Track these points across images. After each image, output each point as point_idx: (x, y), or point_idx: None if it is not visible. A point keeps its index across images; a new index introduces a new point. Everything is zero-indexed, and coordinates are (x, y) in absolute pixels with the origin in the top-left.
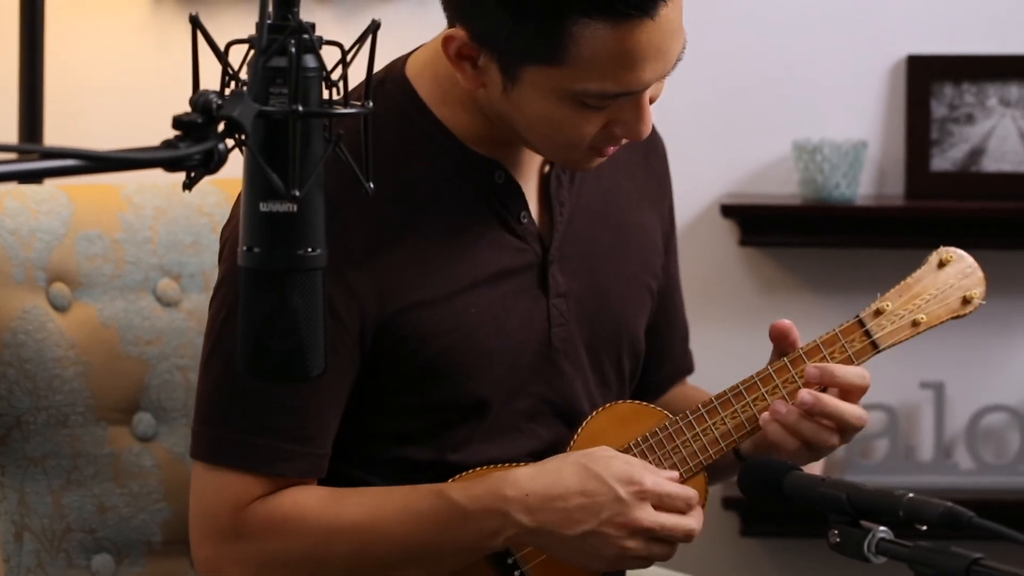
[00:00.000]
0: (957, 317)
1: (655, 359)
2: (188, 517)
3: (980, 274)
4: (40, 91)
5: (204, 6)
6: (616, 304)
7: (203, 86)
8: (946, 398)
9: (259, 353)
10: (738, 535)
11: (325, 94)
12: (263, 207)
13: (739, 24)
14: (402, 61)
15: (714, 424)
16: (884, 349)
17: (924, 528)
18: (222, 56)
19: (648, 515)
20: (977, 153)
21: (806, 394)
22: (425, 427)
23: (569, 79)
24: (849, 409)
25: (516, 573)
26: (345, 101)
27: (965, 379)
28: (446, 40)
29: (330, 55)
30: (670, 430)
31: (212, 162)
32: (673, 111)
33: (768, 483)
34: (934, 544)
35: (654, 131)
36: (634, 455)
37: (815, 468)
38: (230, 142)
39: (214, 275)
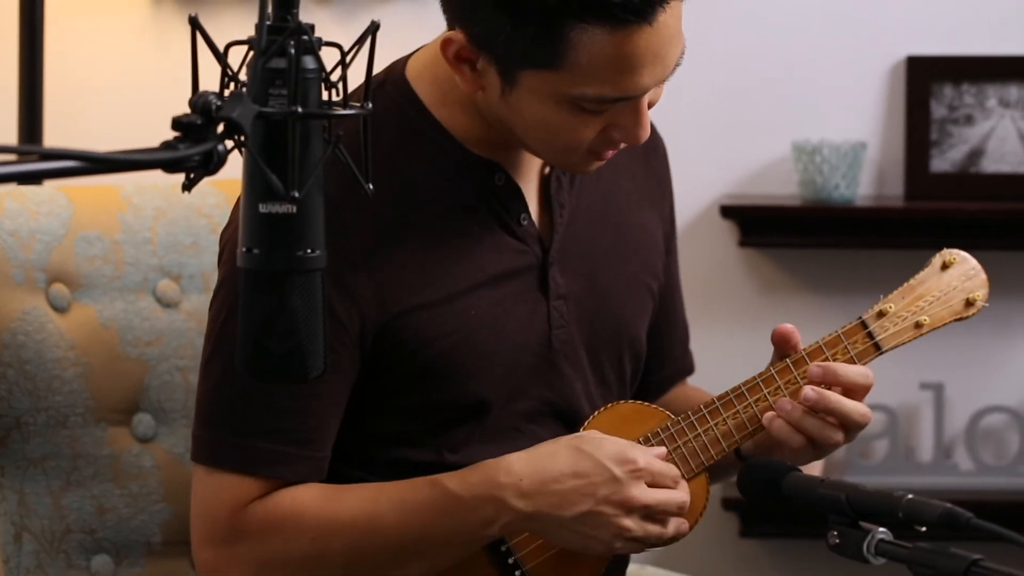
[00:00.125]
0: (960, 319)
1: (655, 360)
2: (188, 518)
3: (983, 276)
4: (40, 91)
5: (204, 7)
6: (616, 305)
7: (202, 87)
8: (946, 399)
9: (259, 354)
10: (738, 536)
11: (324, 95)
12: (262, 208)
13: (739, 25)
14: (402, 63)
15: (716, 424)
16: (887, 351)
17: (923, 529)
18: (221, 57)
19: (643, 492)
20: (976, 154)
21: (809, 390)
22: (425, 428)
23: (567, 84)
24: (853, 405)
25: (516, 573)
26: (344, 102)
27: (965, 380)
28: (445, 43)
29: (329, 56)
30: (672, 430)
31: (211, 163)
32: (673, 112)
33: (767, 484)
34: (933, 545)
35: (655, 132)
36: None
37: (815, 468)
38: (229, 143)
39: (214, 276)
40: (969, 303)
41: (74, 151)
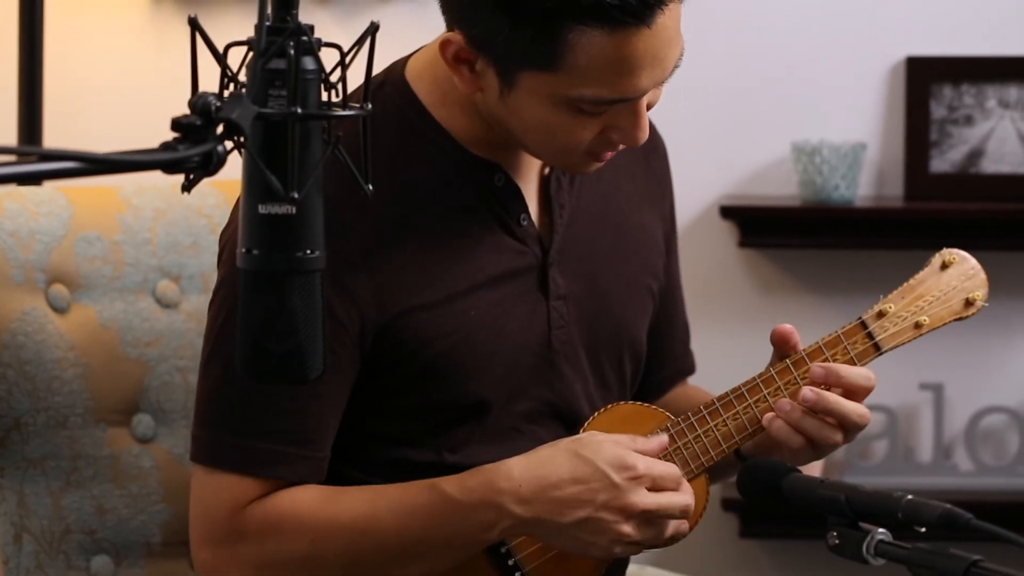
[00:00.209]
0: (960, 319)
1: (656, 360)
2: (188, 519)
3: (983, 276)
4: (39, 92)
5: (203, 8)
6: (616, 306)
7: (202, 88)
8: (945, 399)
9: (258, 355)
10: (737, 536)
11: (324, 96)
12: (262, 209)
13: (738, 25)
14: (402, 63)
15: (716, 425)
16: (886, 351)
17: (923, 530)
18: (221, 58)
19: (643, 498)
20: (976, 154)
21: (808, 391)
22: (425, 428)
23: (565, 85)
24: (852, 407)
25: (517, 575)
26: (344, 103)
27: (964, 380)
28: (443, 44)
29: (329, 57)
30: (672, 431)
31: (211, 164)
32: (672, 112)
33: (767, 485)
34: (933, 546)
35: (655, 132)
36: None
37: (815, 469)
38: (229, 144)
39: (214, 277)
40: (969, 303)
41: (73, 152)
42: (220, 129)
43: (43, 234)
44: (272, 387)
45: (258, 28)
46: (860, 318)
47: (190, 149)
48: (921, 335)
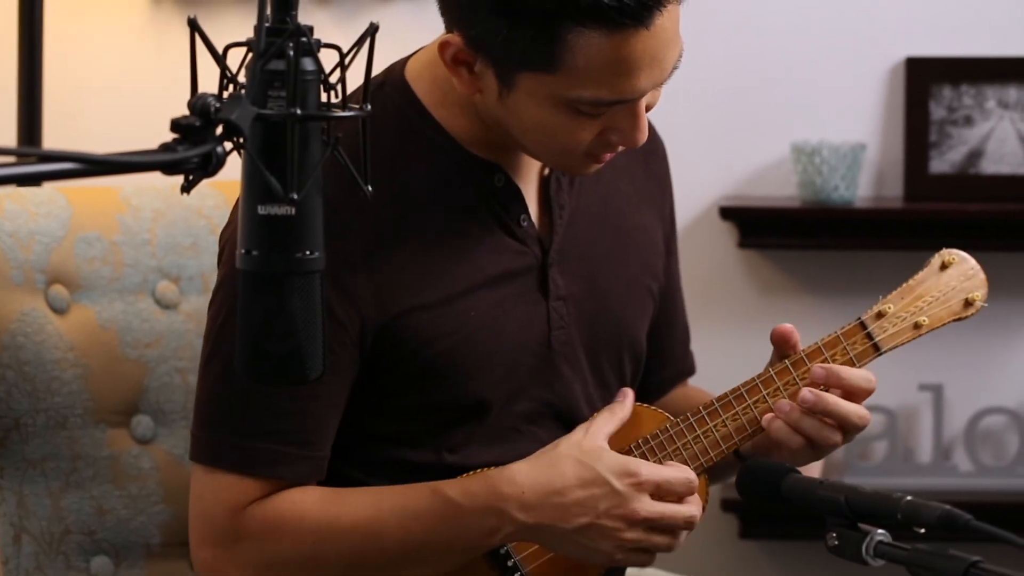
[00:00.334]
0: (959, 319)
1: (656, 360)
2: (187, 520)
3: (982, 276)
4: (39, 92)
5: (202, 8)
6: (616, 307)
7: (201, 89)
8: (945, 400)
9: (257, 356)
10: (737, 537)
11: (323, 97)
12: (261, 210)
13: (738, 26)
14: (401, 64)
15: (715, 426)
16: (886, 351)
17: (922, 531)
18: (220, 59)
19: (645, 505)
20: (976, 155)
21: (807, 392)
22: (424, 428)
23: (564, 87)
24: (851, 408)
25: (516, 575)
26: (343, 104)
27: (964, 381)
28: (442, 45)
29: (328, 58)
30: (671, 432)
31: (210, 165)
32: (672, 113)
33: (766, 486)
34: (932, 547)
35: (654, 133)
36: (635, 456)
37: (814, 469)
38: (228, 145)
39: (213, 277)
40: (968, 303)
41: (73, 153)
42: (219, 130)
43: (43, 235)
44: (271, 388)
45: (257, 29)
46: (859, 319)
47: (189, 150)
48: (920, 335)
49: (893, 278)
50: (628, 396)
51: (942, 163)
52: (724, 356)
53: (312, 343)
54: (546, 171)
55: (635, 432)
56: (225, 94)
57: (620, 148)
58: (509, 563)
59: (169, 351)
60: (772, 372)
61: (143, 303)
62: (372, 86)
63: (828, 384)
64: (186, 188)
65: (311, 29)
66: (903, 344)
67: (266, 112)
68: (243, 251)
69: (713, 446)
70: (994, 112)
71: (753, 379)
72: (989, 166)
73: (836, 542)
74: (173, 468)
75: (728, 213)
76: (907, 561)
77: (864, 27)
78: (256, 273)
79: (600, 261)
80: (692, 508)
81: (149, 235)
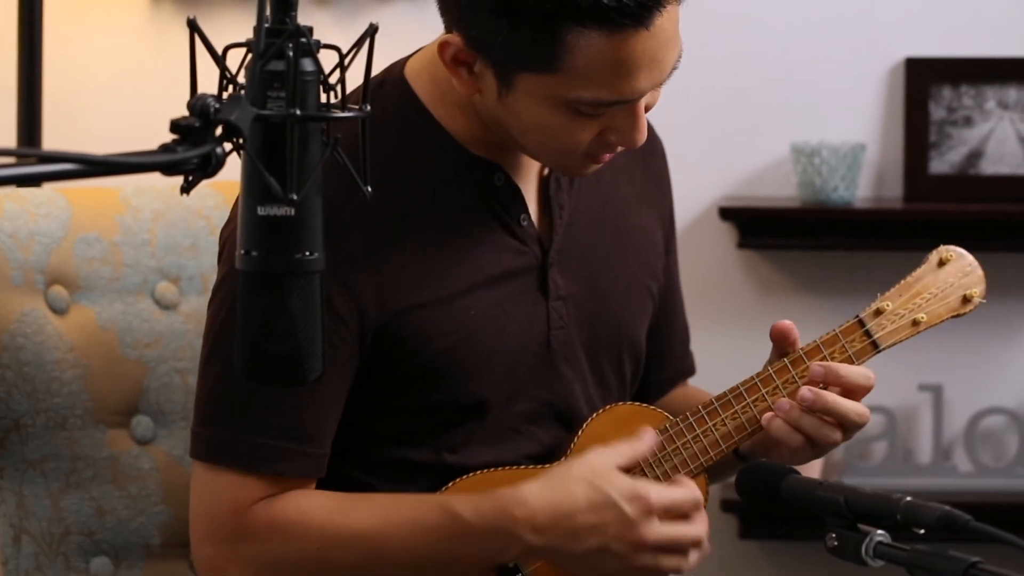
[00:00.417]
0: (957, 316)
1: (656, 361)
2: (187, 519)
3: (980, 272)
4: (38, 93)
5: (202, 9)
6: (616, 307)
7: (201, 89)
8: (944, 400)
9: (256, 357)
10: (736, 537)
11: (323, 98)
12: (261, 211)
13: (737, 26)
14: (401, 64)
15: (714, 425)
16: (884, 349)
17: (922, 531)
18: (220, 60)
19: (653, 530)
20: (975, 156)
21: (806, 391)
22: (424, 428)
23: (563, 87)
24: (850, 405)
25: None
26: (343, 105)
27: (964, 381)
28: (442, 45)
29: (328, 59)
30: (670, 432)
31: (210, 166)
32: (671, 114)
33: (766, 486)
34: (932, 547)
35: (653, 133)
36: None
37: (814, 469)
38: (228, 146)
39: (213, 278)
40: (966, 299)
41: (72, 154)
42: (219, 131)
43: (42, 235)
44: (271, 388)
45: (257, 30)
46: (858, 316)
47: (189, 151)
48: (919, 332)
49: (893, 278)
50: (650, 435)
51: (942, 164)
52: (724, 356)
53: (311, 344)
54: (545, 171)
55: (634, 433)
56: (225, 95)
57: (619, 149)
58: (510, 563)
59: (169, 351)
60: (771, 371)
61: (143, 303)
62: (371, 85)
63: (827, 382)
64: (186, 189)
65: (310, 30)
66: (902, 341)
67: (266, 113)
68: (242, 252)
69: (713, 445)
70: (994, 113)
71: (752, 378)
72: (989, 167)
73: (836, 543)
74: (173, 469)
75: (728, 213)
76: (907, 562)
77: (864, 28)
78: (255, 274)
79: (600, 261)
80: (698, 528)
81: (149, 236)
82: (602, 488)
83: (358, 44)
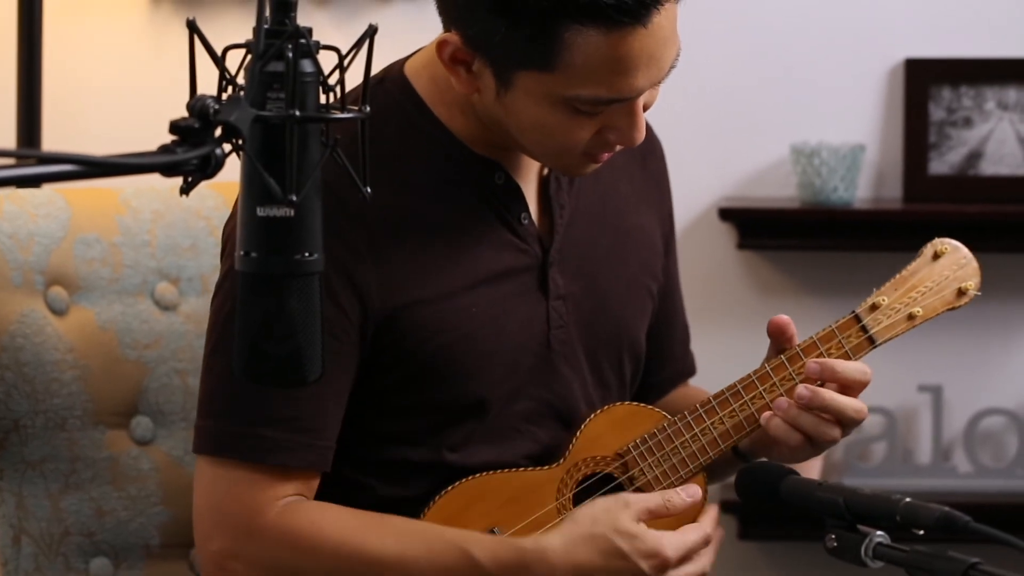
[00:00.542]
0: (952, 309)
1: (656, 361)
2: (187, 520)
3: (975, 265)
4: (38, 93)
5: (201, 10)
6: (616, 307)
7: (200, 90)
8: (944, 401)
9: (256, 357)
10: (736, 538)
11: (322, 99)
12: (260, 212)
13: (737, 27)
14: (400, 63)
15: (712, 424)
16: (881, 344)
17: (921, 532)
18: (219, 61)
19: None
20: (975, 156)
21: (803, 388)
22: (424, 427)
23: (562, 85)
24: (847, 402)
25: None
26: (342, 106)
27: (963, 382)
28: (440, 44)
29: (327, 59)
30: (668, 431)
31: (209, 167)
32: (671, 114)
33: (765, 487)
34: (931, 548)
35: (652, 133)
36: (633, 457)
37: (814, 468)
38: (227, 147)
39: (212, 278)
40: (961, 292)
41: (72, 155)
42: (218, 132)
43: (42, 236)
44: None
45: (256, 31)
46: (854, 311)
47: (188, 152)
48: (915, 326)
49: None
50: (678, 497)
51: (941, 164)
52: (723, 357)
53: (311, 345)
54: (545, 171)
55: (632, 433)
56: (224, 96)
57: (618, 148)
58: None
59: (168, 352)
60: (768, 368)
61: (142, 304)
62: (371, 83)
63: (823, 379)
64: (185, 190)
65: (310, 31)
66: (898, 336)
67: (265, 114)
68: (242, 253)
69: (711, 445)
70: (993, 113)
71: (749, 376)
72: (988, 167)
73: (835, 544)
74: (172, 469)
75: (727, 214)
76: (906, 563)
77: (863, 28)
78: (255, 275)
79: (600, 261)
80: (704, 560)
81: (148, 236)
82: (621, 547)
83: (357, 45)
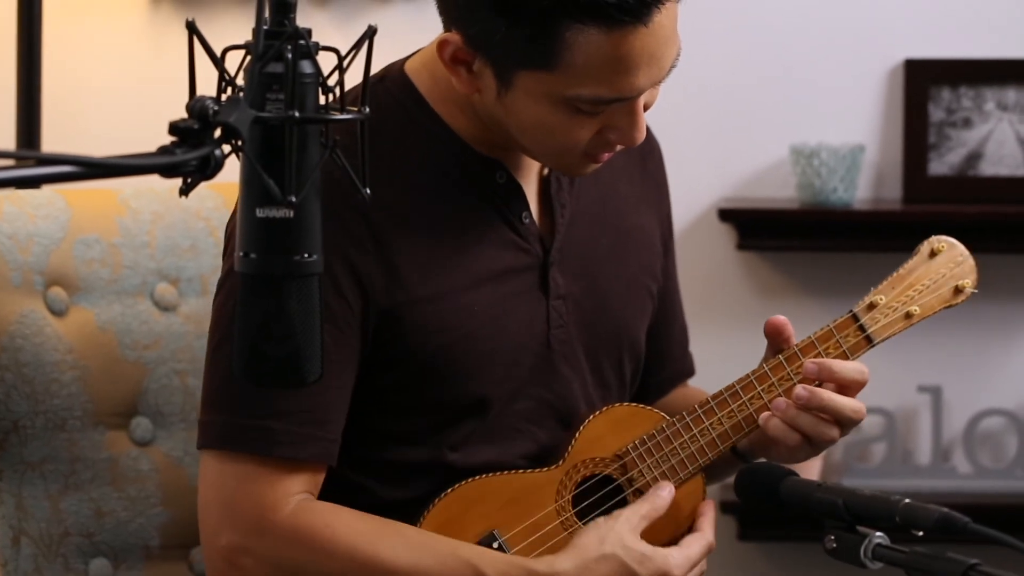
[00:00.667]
0: (949, 307)
1: (655, 361)
2: (187, 520)
3: (971, 262)
4: (38, 93)
5: (201, 11)
6: (616, 307)
7: (200, 91)
8: (944, 402)
9: (255, 358)
10: (735, 539)
11: (322, 99)
12: (259, 213)
13: (736, 28)
14: (400, 62)
15: (711, 425)
16: (878, 343)
17: (920, 533)
18: (219, 62)
19: None
20: (974, 157)
21: (801, 389)
22: (424, 426)
23: (562, 84)
24: (845, 402)
25: None
26: (342, 106)
27: (963, 383)
28: (441, 44)
29: (327, 61)
30: (667, 432)
31: (208, 168)
32: (670, 115)
33: (764, 488)
34: (930, 549)
35: (650, 134)
36: (632, 458)
37: (813, 469)
38: (227, 148)
39: (212, 279)
40: (958, 290)
41: (71, 156)
42: (218, 133)
43: (41, 237)
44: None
45: (256, 32)
46: (851, 311)
47: (188, 153)
48: (912, 325)
49: None
50: (667, 490)
51: (941, 165)
52: (723, 358)
53: (310, 346)
54: (545, 171)
55: (631, 433)
56: (223, 97)
57: (618, 147)
58: None
59: (168, 353)
60: (766, 368)
61: (142, 305)
62: (372, 80)
63: (821, 379)
64: (184, 191)
65: (309, 32)
66: (895, 334)
67: (264, 115)
68: (241, 254)
69: (710, 446)
70: (993, 114)
71: (747, 376)
72: (988, 168)
73: (834, 545)
74: (172, 470)
75: (727, 215)
76: (905, 564)
77: (863, 29)
78: (254, 276)
79: (600, 261)
80: (703, 565)
81: (148, 237)
82: (632, 568)
83: (357, 46)
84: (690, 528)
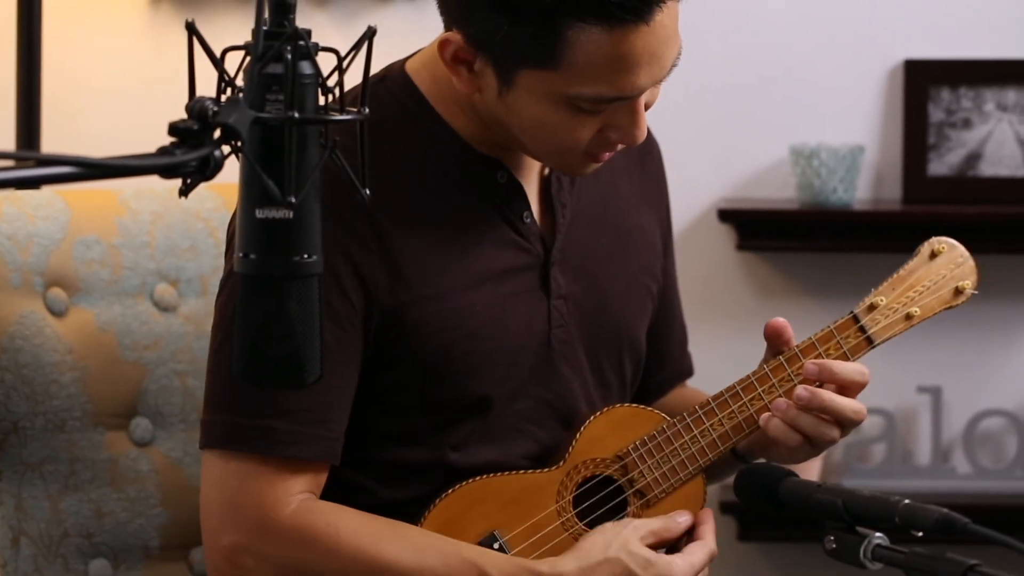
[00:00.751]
0: (950, 308)
1: (654, 361)
2: (186, 521)
3: (972, 263)
4: (37, 94)
5: (201, 11)
6: (616, 307)
7: (200, 92)
8: (943, 402)
9: (255, 359)
10: (735, 539)
11: (321, 100)
12: (259, 214)
13: (736, 28)
14: (401, 62)
15: (712, 426)
16: (879, 344)
17: (920, 534)
18: (218, 63)
19: None
20: (974, 158)
21: (802, 390)
22: (424, 426)
23: (564, 83)
24: (846, 403)
25: None
26: (341, 107)
27: (962, 383)
28: (442, 44)
29: (327, 61)
30: (668, 433)
31: (208, 169)
32: (670, 115)
33: (764, 489)
34: (930, 550)
35: (649, 134)
36: (633, 459)
37: (813, 470)
38: (226, 149)
39: (212, 279)
40: (958, 291)
41: (71, 157)
42: (217, 134)
43: (41, 237)
44: (269, 390)
45: (255, 32)
46: (852, 312)
47: (187, 154)
48: (913, 326)
49: None
50: (685, 518)
51: (940, 165)
52: (723, 358)
53: (310, 346)
54: (546, 170)
55: (632, 434)
56: (223, 97)
57: (619, 147)
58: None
59: (168, 354)
60: (767, 369)
61: (142, 306)
62: (371, 81)
63: (821, 380)
64: (184, 191)
65: (309, 32)
66: (896, 335)
67: (264, 116)
68: (241, 255)
69: (711, 446)
70: (992, 115)
71: (748, 377)
72: (987, 168)
73: (834, 545)
74: (172, 471)
75: (726, 215)
76: (905, 564)
77: (863, 29)
78: (254, 276)
79: (600, 261)
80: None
81: (148, 238)
82: (636, 572)
83: (357, 46)
84: (689, 534)
